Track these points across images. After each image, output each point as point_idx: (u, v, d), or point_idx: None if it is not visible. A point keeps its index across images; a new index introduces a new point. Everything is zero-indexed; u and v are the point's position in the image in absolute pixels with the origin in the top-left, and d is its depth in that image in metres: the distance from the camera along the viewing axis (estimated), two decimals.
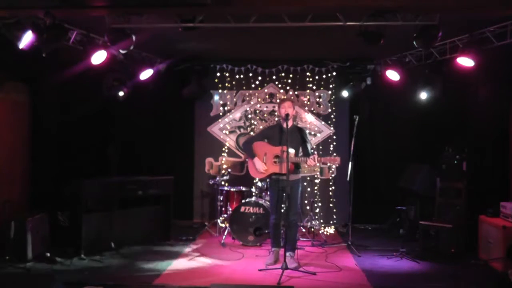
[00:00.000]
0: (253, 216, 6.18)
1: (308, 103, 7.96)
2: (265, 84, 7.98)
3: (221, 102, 8.06)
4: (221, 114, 8.07)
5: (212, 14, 5.17)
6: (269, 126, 6.42)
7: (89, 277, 4.80)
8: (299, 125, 6.29)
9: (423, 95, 6.73)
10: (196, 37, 6.02)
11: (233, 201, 6.71)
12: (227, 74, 7.96)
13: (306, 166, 5.46)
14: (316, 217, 7.55)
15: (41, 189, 6.18)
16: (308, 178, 7.61)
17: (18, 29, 4.97)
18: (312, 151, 5.48)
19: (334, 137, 7.90)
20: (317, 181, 7.85)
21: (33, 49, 5.07)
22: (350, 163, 6.10)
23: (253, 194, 6.62)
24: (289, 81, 7.93)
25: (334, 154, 7.80)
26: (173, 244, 6.38)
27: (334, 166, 7.83)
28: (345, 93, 7.69)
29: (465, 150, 6.22)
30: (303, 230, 6.85)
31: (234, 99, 8.06)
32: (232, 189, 6.79)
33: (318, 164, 6.69)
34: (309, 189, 7.66)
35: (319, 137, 7.93)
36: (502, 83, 6.02)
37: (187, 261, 5.58)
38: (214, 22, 5.29)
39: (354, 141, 6.12)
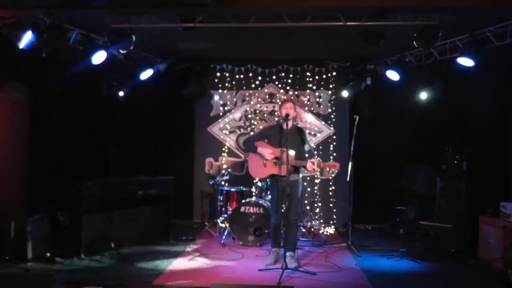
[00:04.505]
0: (253, 216, 6.18)
1: (308, 103, 7.96)
2: (265, 84, 7.98)
3: (221, 102, 8.06)
4: (221, 114, 8.07)
5: (212, 14, 5.17)
6: (269, 126, 6.42)
7: (89, 277, 4.80)
8: (299, 125, 6.29)
9: (423, 95, 6.73)
10: (196, 37, 6.02)
11: (233, 201, 6.70)
12: (227, 74, 7.96)
13: (305, 170, 5.44)
14: (316, 217, 7.55)
15: (41, 189, 6.17)
16: (308, 178, 7.60)
17: (18, 29, 4.98)
18: (311, 150, 5.46)
19: (334, 137, 7.90)
20: (317, 181, 7.85)
21: (33, 49, 5.07)
22: (350, 163, 6.10)
23: (253, 194, 6.62)
24: (289, 81, 7.93)
25: (334, 154, 7.82)
26: (173, 244, 6.38)
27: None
28: (345, 93, 7.69)
29: (465, 150, 6.22)
30: (303, 230, 6.85)
31: (234, 99, 8.06)
32: (232, 189, 6.78)
33: (318, 169, 6.69)
34: (309, 189, 7.66)
35: (319, 137, 7.93)
36: (502, 83, 6.02)
37: (187, 261, 5.58)
38: (214, 22, 5.30)
39: (354, 141, 6.12)
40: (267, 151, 5.32)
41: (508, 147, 6.03)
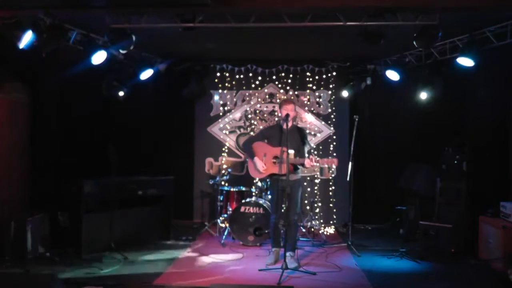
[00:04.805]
0: (253, 216, 6.18)
1: (308, 103, 7.96)
2: (265, 84, 7.98)
3: (221, 102, 8.06)
4: (221, 114, 8.07)
5: (212, 14, 5.17)
6: (269, 126, 6.42)
7: (89, 277, 4.81)
8: (299, 125, 6.28)
9: (423, 95, 6.73)
10: (196, 37, 6.02)
11: (233, 201, 6.70)
12: (227, 74, 7.96)
13: (305, 170, 5.44)
14: (316, 217, 7.55)
15: (41, 189, 6.18)
16: (308, 178, 7.60)
17: (18, 29, 4.98)
18: (310, 151, 5.46)
19: (334, 137, 7.90)
20: (317, 181, 7.85)
21: (33, 49, 5.07)
22: (350, 163, 6.09)
23: (253, 194, 6.62)
24: (289, 81, 7.92)
25: (334, 154, 7.81)
26: (173, 244, 6.38)
27: (334, 166, 7.83)
28: (345, 93, 7.69)
29: (465, 150, 6.22)
30: (303, 230, 6.85)
31: (234, 99, 8.06)
32: (232, 189, 6.78)
33: (317, 165, 6.69)
34: (309, 189, 7.66)
35: (319, 137, 7.93)
36: (502, 83, 6.02)
37: (187, 261, 5.58)
38: (214, 22, 5.29)
39: (354, 141, 6.12)
40: (260, 165, 5.34)
41: (508, 147, 6.03)
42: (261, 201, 6.29)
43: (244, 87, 7.99)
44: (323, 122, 7.95)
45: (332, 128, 7.91)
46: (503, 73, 5.94)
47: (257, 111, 8.03)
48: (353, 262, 5.58)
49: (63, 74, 5.96)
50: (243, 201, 6.40)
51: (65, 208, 5.91)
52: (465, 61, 5.69)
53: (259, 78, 7.95)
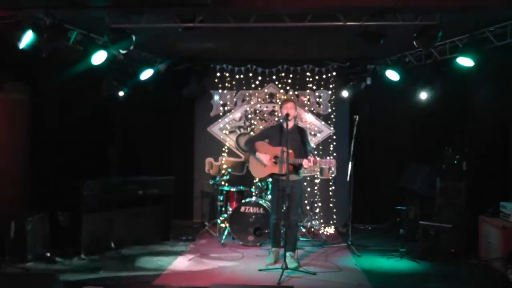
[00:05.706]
0: (253, 216, 6.19)
1: (308, 103, 7.96)
2: (265, 84, 7.98)
3: (221, 102, 8.06)
4: (221, 114, 8.07)
5: (212, 14, 5.18)
6: (270, 126, 6.42)
7: (89, 277, 4.81)
8: (299, 125, 6.28)
9: (423, 95, 6.73)
10: (196, 37, 6.02)
11: (233, 201, 6.70)
12: (227, 74, 7.96)
13: (305, 170, 5.44)
14: (316, 217, 7.55)
15: (41, 189, 6.17)
16: (308, 178, 7.59)
17: (18, 29, 4.98)
18: (311, 151, 5.45)
19: (334, 137, 7.90)
20: (317, 181, 7.85)
21: (33, 49, 5.07)
22: (350, 163, 6.09)
23: (253, 194, 6.62)
24: (289, 81, 7.93)
25: (334, 154, 7.81)
26: (173, 244, 6.39)
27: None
28: (345, 93, 7.69)
29: (465, 150, 6.21)
30: (303, 230, 6.84)
31: (234, 99, 8.06)
32: (232, 189, 6.78)
33: (316, 166, 6.68)
34: (309, 189, 7.66)
35: (319, 137, 7.93)
36: (502, 83, 6.01)
37: (187, 261, 5.58)
38: (214, 22, 5.30)
39: (354, 141, 6.12)
40: (265, 158, 5.35)
41: (508, 147, 6.03)
42: (261, 201, 6.29)
43: (244, 87, 7.99)
44: (323, 122, 7.95)
45: (332, 128, 7.91)
46: (503, 73, 5.94)
47: (257, 111, 8.03)
48: (353, 262, 5.58)
49: (63, 74, 5.96)
50: (243, 201, 6.40)
51: (65, 208, 5.90)
52: (465, 61, 5.68)
53: (259, 78, 7.95)
